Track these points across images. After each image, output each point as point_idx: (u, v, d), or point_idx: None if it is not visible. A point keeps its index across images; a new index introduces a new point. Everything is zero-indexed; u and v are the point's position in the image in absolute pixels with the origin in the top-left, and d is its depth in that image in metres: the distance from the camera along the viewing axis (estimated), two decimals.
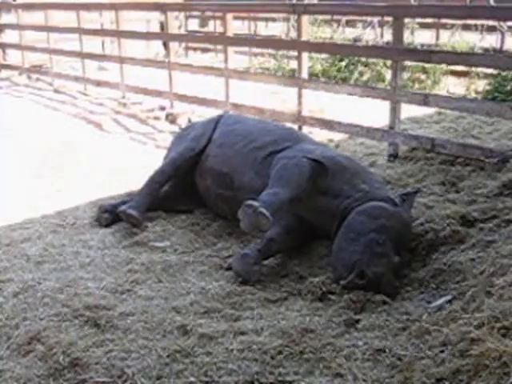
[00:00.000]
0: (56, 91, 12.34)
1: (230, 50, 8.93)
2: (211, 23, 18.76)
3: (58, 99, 11.58)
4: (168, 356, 3.34)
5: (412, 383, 2.97)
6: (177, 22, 16.23)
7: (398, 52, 6.63)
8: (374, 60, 11.29)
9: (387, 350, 3.30)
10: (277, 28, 15.58)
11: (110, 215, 5.44)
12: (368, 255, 4.04)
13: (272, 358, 3.29)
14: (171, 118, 9.51)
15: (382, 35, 13.45)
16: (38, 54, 13.72)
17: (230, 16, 8.99)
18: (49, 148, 7.95)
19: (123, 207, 5.33)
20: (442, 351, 3.14)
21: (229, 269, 4.50)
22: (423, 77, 11.20)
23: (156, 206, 5.63)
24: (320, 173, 4.66)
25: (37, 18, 14.65)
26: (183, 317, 3.78)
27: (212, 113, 7.75)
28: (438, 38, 13.58)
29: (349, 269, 4.03)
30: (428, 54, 6.78)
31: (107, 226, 5.42)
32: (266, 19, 16.98)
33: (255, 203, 4.20)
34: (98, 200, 6.00)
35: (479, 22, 12.05)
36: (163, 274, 4.48)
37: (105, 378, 3.17)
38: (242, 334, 3.55)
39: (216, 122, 5.86)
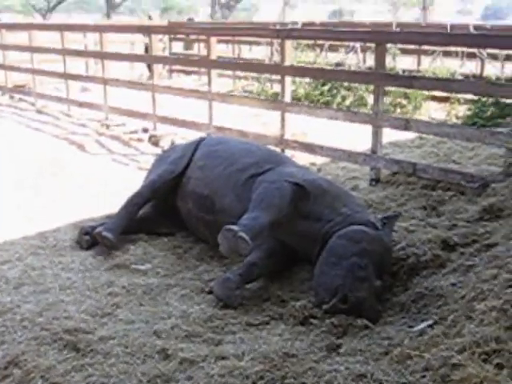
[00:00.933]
0: (39, 112, 12.31)
1: (214, 72, 8.99)
2: (195, 46, 18.86)
3: (41, 120, 11.53)
4: (148, 381, 3.31)
5: None
6: (161, 45, 16.30)
7: (380, 77, 6.71)
8: (356, 85, 11.41)
9: (369, 375, 3.28)
10: (261, 52, 15.71)
11: (91, 237, 5.40)
12: (350, 279, 4.04)
13: (253, 383, 3.26)
14: (154, 140, 9.51)
15: (364, 60, 13.60)
16: (22, 74, 13.68)
17: (214, 39, 9.06)
18: (29, 169, 7.90)
19: (99, 229, 5.30)
20: (424, 376, 3.14)
21: (210, 292, 4.48)
22: (405, 102, 11.33)
23: (135, 228, 5.60)
24: (301, 196, 4.66)
25: (20, 38, 14.65)
26: (164, 341, 3.74)
27: (195, 135, 7.76)
28: (419, 63, 13.76)
29: (331, 293, 4.03)
30: (409, 80, 6.88)
31: (88, 248, 5.38)
32: (250, 43, 17.11)
33: (235, 227, 4.20)
34: (79, 222, 5.96)
35: (459, 49, 12.23)
36: (144, 298, 4.44)
37: None
38: (224, 358, 3.52)
39: (197, 144, 5.85)
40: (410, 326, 3.87)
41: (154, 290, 4.57)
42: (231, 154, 5.43)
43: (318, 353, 3.61)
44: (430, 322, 3.83)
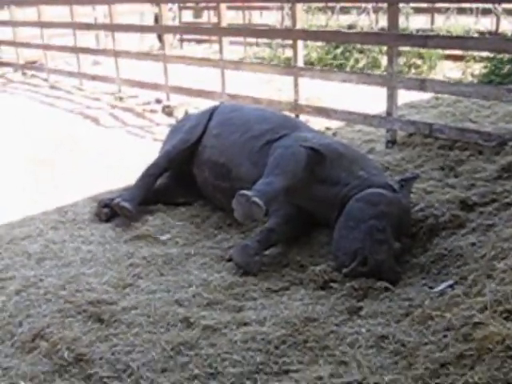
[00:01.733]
0: (52, 87, 12.30)
1: (225, 40, 8.90)
2: (205, 14, 18.67)
3: (54, 95, 11.53)
4: (172, 349, 3.35)
5: (416, 369, 2.98)
6: (171, 14, 16.16)
7: (393, 38, 6.60)
8: (369, 46, 11.26)
9: (390, 337, 3.31)
10: (271, 17, 15.51)
11: (110, 210, 5.44)
12: (369, 242, 4.03)
13: (276, 347, 3.30)
14: (168, 111, 9.48)
15: (376, 21, 13.38)
16: (33, 50, 13.66)
17: (223, 6, 8.95)
18: (45, 144, 7.93)
19: (117, 199, 5.34)
20: (446, 336, 3.15)
21: (230, 260, 4.50)
22: (419, 62, 11.17)
23: (152, 198, 5.64)
24: (317, 161, 4.63)
25: (29, 13, 14.59)
26: (186, 309, 3.79)
27: (209, 104, 7.70)
28: (432, 22, 13.53)
29: (351, 256, 4.03)
30: (423, 39, 6.75)
31: (107, 220, 5.42)
32: (261, 8, 16.88)
33: (248, 193, 4.20)
34: (97, 195, 6.00)
35: (474, 5, 12.00)
36: (165, 267, 4.48)
37: (110, 372, 3.19)
38: (246, 324, 3.56)
39: (211, 112, 5.82)
40: (431, 287, 3.88)
41: (174, 259, 4.60)
42: (246, 120, 5.41)
43: (339, 316, 3.63)
44: (450, 282, 3.83)
